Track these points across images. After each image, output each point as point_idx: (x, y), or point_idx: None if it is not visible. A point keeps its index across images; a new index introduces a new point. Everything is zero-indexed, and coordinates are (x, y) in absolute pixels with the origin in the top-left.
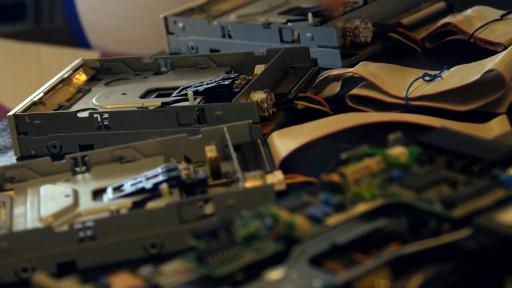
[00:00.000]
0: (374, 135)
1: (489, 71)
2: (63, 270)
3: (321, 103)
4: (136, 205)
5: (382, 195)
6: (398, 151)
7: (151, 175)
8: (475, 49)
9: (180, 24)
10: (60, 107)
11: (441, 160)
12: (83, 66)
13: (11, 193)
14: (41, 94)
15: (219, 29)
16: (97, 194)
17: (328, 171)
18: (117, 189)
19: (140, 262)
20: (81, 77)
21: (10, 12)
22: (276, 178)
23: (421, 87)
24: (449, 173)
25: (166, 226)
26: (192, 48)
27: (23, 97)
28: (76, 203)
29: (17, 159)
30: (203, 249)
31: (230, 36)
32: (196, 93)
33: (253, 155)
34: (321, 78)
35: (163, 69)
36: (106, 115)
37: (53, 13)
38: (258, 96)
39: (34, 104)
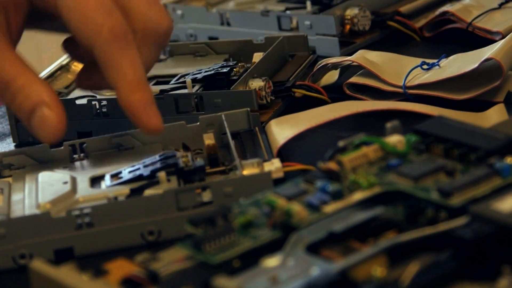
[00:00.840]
0: (372, 123)
1: (487, 60)
2: (60, 256)
3: (319, 91)
4: (133, 192)
5: (379, 183)
6: (395, 139)
7: (149, 163)
8: (473, 37)
9: (179, 12)
10: (58, 94)
11: (439, 149)
12: None
13: (9, 179)
14: None
15: (217, 17)
16: (95, 181)
17: (325, 159)
18: (115, 176)
19: (137, 249)
20: (80, 65)
21: None
22: (274, 166)
23: (419, 76)
24: (447, 162)
25: (164, 213)
26: (191, 35)
27: None
28: (74, 190)
29: (15, 146)
30: (200, 236)
31: (228, 24)
32: (194, 80)
33: (251, 143)
34: (319, 66)
35: (161, 56)
36: (104, 102)
37: None
38: (256, 84)
39: None
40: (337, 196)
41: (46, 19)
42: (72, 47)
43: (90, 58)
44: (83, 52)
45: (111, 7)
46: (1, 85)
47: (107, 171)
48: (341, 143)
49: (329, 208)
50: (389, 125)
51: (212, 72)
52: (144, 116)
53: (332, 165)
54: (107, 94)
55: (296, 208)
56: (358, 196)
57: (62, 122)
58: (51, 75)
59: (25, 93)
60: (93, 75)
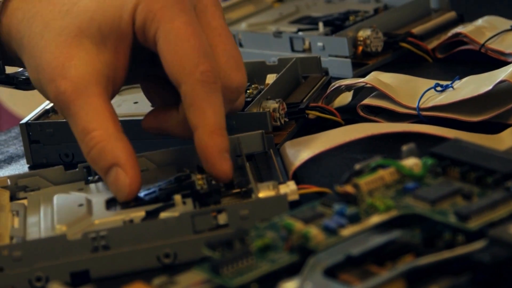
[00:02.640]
0: (386, 146)
1: (501, 81)
2: (76, 279)
3: (333, 113)
4: (149, 214)
5: (396, 207)
6: (411, 162)
7: (164, 185)
8: (486, 59)
9: None
10: None
11: (455, 172)
12: None
13: (24, 201)
14: None
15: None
16: (111, 203)
17: (342, 182)
18: None
19: (153, 272)
20: None
21: None
22: (289, 188)
23: (432, 98)
24: (463, 185)
25: (180, 236)
26: None
27: (35, 105)
28: (89, 212)
29: (29, 168)
30: (218, 259)
31: (241, 45)
32: None
33: (266, 165)
34: (332, 88)
35: None
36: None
37: None
38: (270, 105)
39: (46, 112)
40: (354, 219)
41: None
42: (149, 84)
43: (163, 100)
44: (158, 92)
45: (208, 51)
46: (80, 134)
47: None
48: (357, 166)
49: (347, 231)
50: (405, 148)
51: None
52: (217, 162)
53: (349, 188)
54: (121, 116)
55: (314, 231)
56: (375, 219)
57: (136, 184)
58: None
59: (101, 149)
60: (160, 118)
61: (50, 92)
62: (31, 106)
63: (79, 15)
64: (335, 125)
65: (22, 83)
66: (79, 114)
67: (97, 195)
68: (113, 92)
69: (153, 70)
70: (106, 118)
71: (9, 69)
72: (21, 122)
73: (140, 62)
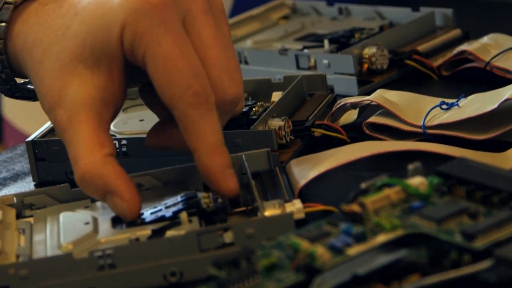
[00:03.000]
0: (392, 164)
1: (506, 100)
2: None
3: (339, 130)
4: (155, 233)
5: (402, 226)
6: (417, 181)
7: (170, 203)
8: (491, 77)
9: None
10: None
11: (461, 191)
12: None
13: (30, 219)
14: None
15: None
16: (116, 221)
17: (348, 201)
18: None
19: None
20: None
21: None
22: (295, 206)
23: (438, 116)
24: (469, 204)
25: (186, 255)
26: None
27: (40, 122)
28: (95, 230)
29: (35, 185)
30: (224, 278)
31: (246, 62)
32: None
33: (272, 183)
34: (338, 105)
35: None
36: (124, 142)
37: None
38: (276, 123)
39: (52, 130)
40: (360, 238)
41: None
42: (149, 95)
43: (165, 112)
44: (160, 104)
45: (199, 69)
46: (72, 163)
47: None
48: (363, 185)
49: (353, 250)
50: (411, 166)
51: None
52: (222, 180)
53: (355, 207)
54: (127, 134)
55: (320, 250)
56: (381, 238)
57: (134, 206)
58: None
59: (90, 178)
60: (163, 134)
61: (51, 120)
62: (36, 123)
63: (72, 39)
64: (340, 143)
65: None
66: (70, 142)
67: (103, 213)
68: (114, 111)
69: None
70: (94, 145)
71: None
72: (27, 139)
73: (137, 72)
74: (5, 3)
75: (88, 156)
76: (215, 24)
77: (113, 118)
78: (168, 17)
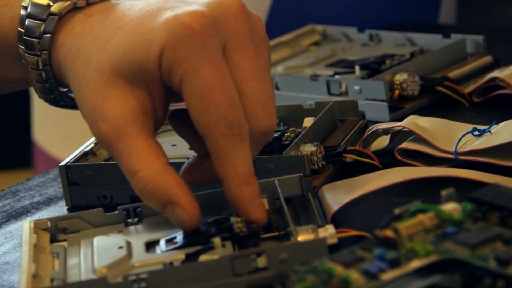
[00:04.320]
0: (425, 190)
1: None
2: None
3: (371, 156)
4: (189, 257)
5: (436, 251)
6: (451, 207)
7: (203, 228)
8: None
9: None
10: (110, 157)
11: (494, 217)
12: None
13: (64, 244)
14: (92, 145)
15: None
16: (150, 246)
17: (381, 226)
18: (170, 241)
19: None
20: None
21: None
22: (328, 232)
23: (470, 142)
24: (503, 230)
25: (219, 279)
26: None
27: (72, 148)
28: (129, 254)
29: (68, 210)
30: None
31: (278, 88)
32: None
33: (304, 208)
34: (370, 131)
35: None
36: None
37: None
38: (308, 149)
39: (85, 154)
40: (394, 263)
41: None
42: (179, 121)
43: (194, 138)
44: (190, 130)
45: (235, 100)
46: (128, 176)
47: (162, 235)
48: (397, 211)
49: (387, 275)
50: (444, 192)
51: None
52: (251, 209)
53: (388, 233)
54: None
55: (354, 275)
56: (415, 264)
57: (195, 216)
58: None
59: (150, 190)
60: (197, 171)
61: (93, 134)
62: (67, 149)
63: (112, 53)
64: (372, 168)
65: None
66: (123, 156)
67: (137, 237)
68: (156, 124)
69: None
70: (150, 156)
71: None
72: (60, 164)
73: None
74: (50, 14)
75: (147, 168)
76: (255, 54)
77: (156, 130)
78: (209, 45)
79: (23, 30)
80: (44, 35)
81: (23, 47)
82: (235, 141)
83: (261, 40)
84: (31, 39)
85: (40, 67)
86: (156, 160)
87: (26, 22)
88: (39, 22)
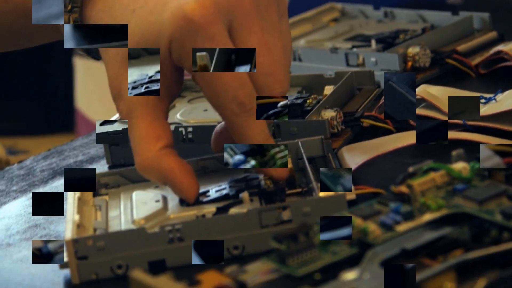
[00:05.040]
0: (435, 151)
1: None
2: (153, 267)
3: (386, 121)
4: (219, 210)
5: (446, 206)
6: (460, 166)
7: (233, 184)
8: None
9: None
10: None
11: (500, 175)
12: None
13: (106, 197)
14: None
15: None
16: (184, 200)
17: (397, 183)
18: (202, 194)
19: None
20: None
21: None
22: None
23: None
24: (508, 187)
25: (248, 230)
26: None
27: (110, 113)
28: (165, 207)
29: (109, 167)
30: (284, 251)
31: (300, 60)
32: None
33: (325, 167)
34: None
35: None
36: (190, 129)
37: None
38: (329, 114)
39: None
40: (408, 216)
41: None
42: None
43: None
44: None
45: (244, 80)
46: (133, 152)
47: None
48: (410, 169)
49: (402, 227)
50: (454, 153)
51: (288, 103)
52: (273, 172)
53: (403, 189)
54: (192, 122)
55: (372, 227)
56: (427, 217)
57: (192, 192)
58: None
59: (148, 170)
60: (225, 138)
61: (116, 106)
62: (105, 114)
63: (128, 37)
64: (387, 132)
65: None
66: (131, 135)
67: (172, 192)
68: (169, 102)
69: None
70: (150, 139)
71: None
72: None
73: None
74: None
75: (145, 152)
76: (261, 27)
77: (168, 106)
78: (213, 32)
79: None
80: (74, 8)
81: None
82: (248, 116)
83: (255, 16)
84: None
85: None
86: (155, 144)
87: None
88: None
